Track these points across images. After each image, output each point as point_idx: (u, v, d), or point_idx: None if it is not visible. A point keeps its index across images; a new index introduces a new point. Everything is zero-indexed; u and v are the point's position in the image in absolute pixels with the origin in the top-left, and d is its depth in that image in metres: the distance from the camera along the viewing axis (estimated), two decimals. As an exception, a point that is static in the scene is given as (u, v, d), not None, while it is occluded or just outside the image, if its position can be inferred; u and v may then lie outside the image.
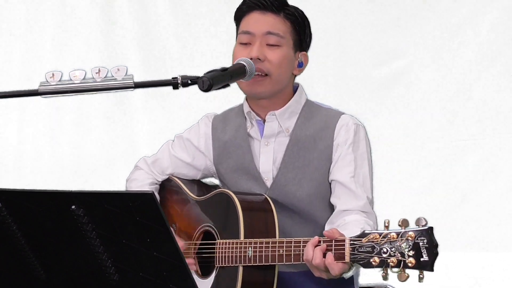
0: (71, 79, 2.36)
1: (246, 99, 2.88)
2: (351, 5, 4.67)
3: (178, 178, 2.99)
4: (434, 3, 4.59)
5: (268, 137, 2.82)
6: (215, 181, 3.02)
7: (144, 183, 2.98)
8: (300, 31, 2.80)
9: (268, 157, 2.82)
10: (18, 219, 2.14)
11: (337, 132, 2.77)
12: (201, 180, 3.03)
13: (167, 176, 3.00)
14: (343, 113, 2.82)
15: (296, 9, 2.82)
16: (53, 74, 2.35)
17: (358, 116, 2.87)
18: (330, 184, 2.78)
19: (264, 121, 2.84)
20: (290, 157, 2.79)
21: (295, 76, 2.86)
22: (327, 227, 2.72)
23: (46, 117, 4.88)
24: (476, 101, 4.53)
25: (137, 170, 3.04)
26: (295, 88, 2.87)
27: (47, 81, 2.36)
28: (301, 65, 2.83)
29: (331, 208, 2.78)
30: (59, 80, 2.36)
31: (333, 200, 2.75)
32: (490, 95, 4.51)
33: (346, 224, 2.64)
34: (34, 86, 2.39)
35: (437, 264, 2.24)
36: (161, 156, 3.01)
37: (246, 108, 2.86)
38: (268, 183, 2.81)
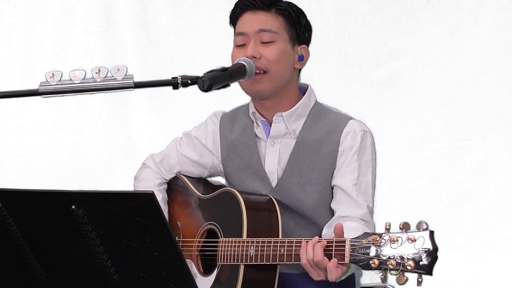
0: (71, 79, 2.36)
1: (252, 99, 2.88)
2: (351, 5, 4.67)
3: (185, 176, 2.99)
4: (434, 3, 4.58)
5: (274, 138, 2.82)
6: (221, 180, 3.02)
7: (152, 184, 2.98)
8: (296, 25, 2.79)
9: (273, 157, 2.81)
10: (18, 219, 2.15)
11: (344, 137, 2.75)
12: (207, 179, 3.04)
13: (175, 175, 3.00)
14: (351, 118, 2.80)
15: (289, 3, 2.81)
16: (53, 74, 2.35)
17: (358, 116, 2.86)
18: (332, 188, 2.78)
19: (269, 122, 2.83)
20: (296, 160, 2.78)
21: (299, 71, 2.86)
22: (325, 231, 2.72)
23: (46, 117, 4.87)
24: (476, 101, 4.53)
25: (145, 169, 3.03)
26: (304, 89, 2.86)
27: (47, 81, 2.36)
28: (302, 59, 2.82)
29: (333, 213, 2.77)
30: (59, 80, 2.36)
31: (333, 205, 2.74)
32: (490, 95, 4.51)
33: (344, 229, 2.64)
34: (34, 86, 2.39)
35: (437, 264, 2.24)
36: (169, 154, 3.01)
37: (252, 109, 2.86)
38: (273, 183, 2.80)
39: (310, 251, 2.41)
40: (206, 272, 2.78)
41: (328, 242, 2.41)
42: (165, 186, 3.01)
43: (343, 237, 2.40)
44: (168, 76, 2.40)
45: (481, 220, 4.50)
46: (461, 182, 4.55)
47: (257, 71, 2.72)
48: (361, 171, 2.74)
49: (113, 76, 2.34)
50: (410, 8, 4.61)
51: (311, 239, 2.45)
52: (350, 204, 2.71)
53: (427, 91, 4.60)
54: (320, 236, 2.71)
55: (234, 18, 2.84)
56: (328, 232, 2.70)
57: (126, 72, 2.34)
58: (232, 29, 2.87)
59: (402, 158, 4.59)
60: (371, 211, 2.75)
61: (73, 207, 2.05)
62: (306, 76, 2.91)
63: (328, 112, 2.84)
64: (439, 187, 4.58)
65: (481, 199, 4.51)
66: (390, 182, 4.40)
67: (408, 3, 4.61)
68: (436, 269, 2.24)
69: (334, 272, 2.37)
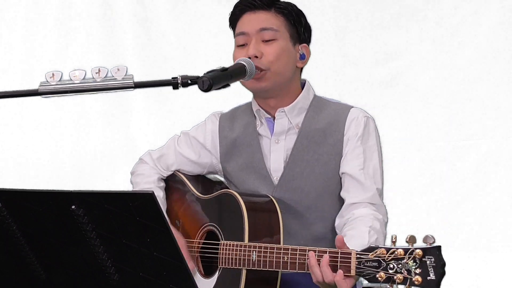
0: (71, 79, 2.36)
1: (255, 97, 2.87)
2: (351, 5, 4.67)
3: (183, 174, 2.99)
4: (434, 3, 4.58)
5: (278, 134, 2.82)
6: (220, 177, 3.01)
7: (151, 180, 2.97)
8: (296, 24, 2.80)
9: (279, 155, 2.81)
10: (18, 219, 2.14)
11: (348, 125, 2.76)
12: (206, 176, 3.03)
13: (172, 172, 3.00)
14: (353, 107, 2.82)
15: (288, 3, 2.82)
16: (53, 74, 2.35)
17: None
18: (340, 178, 2.77)
19: (274, 118, 2.83)
20: (299, 150, 2.78)
21: (301, 70, 2.86)
22: (337, 221, 2.72)
23: (46, 117, 4.87)
24: (476, 101, 4.53)
25: (142, 164, 3.03)
26: (303, 84, 2.87)
27: (47, 81, 2.36)
28: (303, 57, 2.83)
29: (339, 203, 2.77)
30: (59, 80, 2.36)
31: (342, 193, 2.74)
32: (490, 95, 4.51)
33: (354, 220, 2.64)
34: (34, 86, 2.39)
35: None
36: (167, 152, 3.01)
37: (255, 107, 2.86)
38: (277, 181, 2.80)
39: (319, 273, 2.39)
40: (207, 273, 2.78)
41: (333, 254, 2.38)
42: (163, 183, 3.01)
43: (345, 248, 2.39)
44: (168, 76, 2.40)
45: (481, 220, 4.50)
46: (461, 182, 4.54)
47: (258, 71, 2.72)
48: (367, 156, 2.74)
49: (113, 76, 2.34)
50: (410, 8, 4.61)
51: (314, 249, 2.43)
52: (358, 189, 2.71)
53: (427, 91, 4.60)
54: (327, 234, 2.72)
55: (233, 19, 2.84)
56: (340, 222, 2.70)
57: (126, 72, 2.34)
58: (231, 30, 2.87)
59: (402, 158, 4.59)
60: (380, 193, 2.75)
61: (73, 207, 2.05)
62: (306, 75, 2.92)
63: (328, 103, 2.85)
64: (439, 187, 4.58)
65: (481, 199, 4.51)
66: (390, 182, 4.39)
67: (408, 3, 4.61)
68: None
69: (343, 284, 2.36)
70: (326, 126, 2.78)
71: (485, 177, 4.52)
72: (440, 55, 4.57)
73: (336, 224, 2.72)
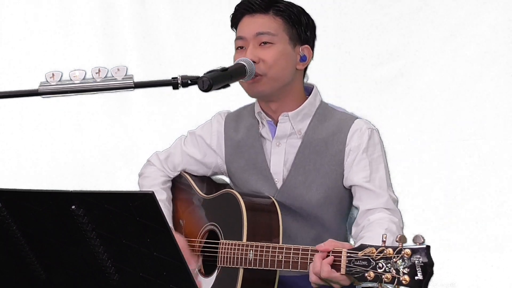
0: (71, 79, 2.36)
1: (258, 100, 2.88)
2: (351, 5, 4.67)
3: (189, 174, 3.00)
4: (434, 3, 4.58)
5: (279, 138, 2.82)
6: (225, 178, 3.02)
7: (157, 182, 2.98)
8: (296, 25, 2.78)
9: (279, 158, 2.81)
10: (18, 219, 2.15)
11: (350, 137, 2.75)
12: (212, 177, 3.04)
13: (179, 173, 3.01)
14: (357, 118, 2.80)
15: (288, 4, 2.80)
16: (53, 74, 2.35)
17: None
18: (345, 189, 2.76)
19: (274, 121, 2.83)
20: (302, 160, 2.78)
21: (304, 72, 2.85)
22: (353, 230, 2.72)
23: (46, 117, 4.87)
24: (476, 101, 4.52)
25: (149, 166, 3.04)
26: (310, 89, 2.86)
27: (47, 81, 2.36)
28: (304, 59, 2.81)
29: (339, 212, 2.77)
30: (59, 80, 2.36)
31: (355, 203, 2.74)
32: (490, 95, 4.51)
33: (370, 224, 2.64)
34: (34, 86, 2.39)
35: (437, 264, 2.23)
36: (173, 152, 3.02)
37: (257, 109, 2.86)
38: (278, 184, 2.80)
39: (318, 265, 2.39)
40: (207, 273, 2.78)
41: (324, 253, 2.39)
42: (170, 184, 3.02)
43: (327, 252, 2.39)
44: (168, 76, 2.40)
45: (481, 220, 4.50)
46: (461, 182, 4.54)
47: (255, 76, 2.73)
48: (373, 168, 2.74)
49: (113, 76, 2.34)
50: (410, 8, 4.60)
51: (308, 248, 2.44)
52: (370, 196, 2.70)
53: (427, 91, 4.60)
54: (326, 239, 2.71)
55: (234, 22, 2.84)
56: (356, 230, 2.70)
57: (126, 72, 2.34)
58: (231, 30, 2.87)
59: (402, 158, 4.59)
60: (394, 200, 2.74)
61: (73, 207, 2.05)
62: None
63: (334, 112, 2.84)
64: (439, 187, 4.58)
65: (481, 199, 4.51)
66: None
67: (408, 3, 4.61)
68: (436, 269, 2.24)
69: (325, 267, 2.36)
70: (329, 136, 2.77)
71: (485, 177, 4.52)
72: (440, 55, 4.57)
73: (352, 233, 2.73)
